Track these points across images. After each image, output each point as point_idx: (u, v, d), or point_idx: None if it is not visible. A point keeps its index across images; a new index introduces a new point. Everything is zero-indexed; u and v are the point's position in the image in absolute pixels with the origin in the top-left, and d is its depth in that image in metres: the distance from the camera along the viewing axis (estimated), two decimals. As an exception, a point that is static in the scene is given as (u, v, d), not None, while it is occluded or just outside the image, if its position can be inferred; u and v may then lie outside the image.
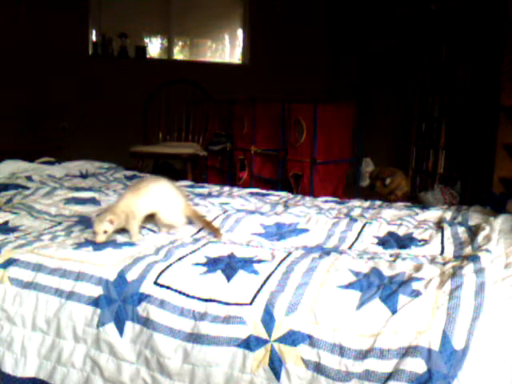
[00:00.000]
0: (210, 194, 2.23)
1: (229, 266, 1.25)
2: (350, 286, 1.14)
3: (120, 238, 1.46)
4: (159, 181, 1.57)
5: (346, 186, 3.80)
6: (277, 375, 1.04)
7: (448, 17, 4.39)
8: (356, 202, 2.14)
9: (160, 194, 1.52)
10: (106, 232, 1.38)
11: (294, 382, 1.03)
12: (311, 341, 1.03)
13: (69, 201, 1.93)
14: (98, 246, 1.37)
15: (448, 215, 1.83)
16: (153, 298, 1.16)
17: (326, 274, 1.20)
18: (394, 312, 1.04)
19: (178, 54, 5.71)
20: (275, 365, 1.04)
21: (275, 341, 1.05)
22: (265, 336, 1.06)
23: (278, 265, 1.25)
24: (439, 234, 1.57)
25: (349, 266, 1.25)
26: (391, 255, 1.38)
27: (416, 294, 1.09)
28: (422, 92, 4.71)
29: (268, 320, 1.07)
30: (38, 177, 2.37)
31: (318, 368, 1.01)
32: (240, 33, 5.74)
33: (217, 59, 5.79)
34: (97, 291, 1.20)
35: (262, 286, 1.15)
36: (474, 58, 4.18)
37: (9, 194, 2.02)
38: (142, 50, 5.33)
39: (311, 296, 1.11)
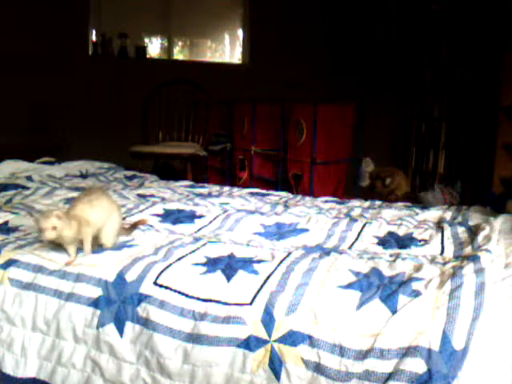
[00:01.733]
0: (210, 194, 2.23)
1: (229, 266, 1.25)
2: (349, 286, 1.14)
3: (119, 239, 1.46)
4: (107, 194, 1.43)
5: (346, 185, 3.79)
6: (277, 375, 1.03)
7: (448, 17, 4.39)
8: (356, 202, 2.14)
9: (108, 209, 1.37)
10: (55, 228, 1.22)
11: (294, 383, 1.03)
12: (311, 341, 1.03)
13: (69, 201, 1.92)
14: (97, 247, 1.37)
15: (448, 215, 1.83)
16: (152, 299, 1.16)
17: (326, 273, 1.20)
18: (394, 312, 1.04)
19: (178, 54, 5.70)
20: (275, 365, 1.04)
21: (275, 341, 1.05)
22: (265, 336, 1.06)
23: (278, 265, 1.25)
24: (439, 234, 1.57)
25: (349, 266, 1.25)
26: (391, 255, 1.38)
27: (416, 294, 1.09)
28: (422, 92, 4.70)
29: (268, 320, 1.07)
30: (38, 177, 2.37)
31: (318, 368, 1.01)
32: (240, 33, 5.74)
33: (217, 59, 5.79)
34: (96, 292, 1.20)
35: (262, 286, 1.15)
36: (474, 58, 4.18)
37: (9, 194, 2.01)
38: (142, 49, 5.33)
39: (311, 296, 1.10)
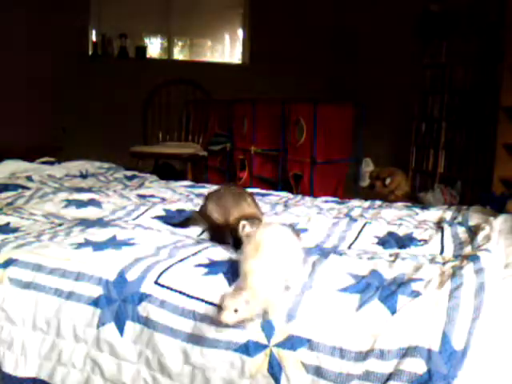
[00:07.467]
0: (210, 194, 2.22)
1: (231, 269, 1.24)
2: (349, 288, 1.14)
3: (119, 237, 1.46)
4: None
5: (346, 186, 3.80)
6: (276, 381, 1.02)
7: (448, 17, 4.39)
8: (356, 202, 2.14)
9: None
10: (236, 311, 1.00)
11: (294, 387, 1.02)
12: (311, 344, 1.02)
13: (70, 203, 1.88)
14: (97, 246, 1.36)
15: (448, 215, 1.83)
16: (153, 298, 1.15)
17: (326, 277, 1.19)
18: (393, 312, 1.04)
19: (178, 54, 5.71)
20: (274, 370, 1.02)
21: (274, 346, 1.04)
22: (264, 341, 1.04)
23: None
24: (439, 234, 1.57)
25: (348, 269, 1.24)
26: (391, 255, 1.37)
27: (416, 294, 1.08)
28: (422, 92, 4.70)
29: (267, 325, 1.06)
30: (38, 177, 2.36)
31: (319, 372, 1.00)
32: (240, 33, 5.74)
33: (217, 59, 5.79)
34: (97, 291, 1.20)
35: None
36: (474, 58, 4.18)
37: (10, 197, 1.99)
38: (142, 50, 5.33)
39: (310, 300, 1.10)
